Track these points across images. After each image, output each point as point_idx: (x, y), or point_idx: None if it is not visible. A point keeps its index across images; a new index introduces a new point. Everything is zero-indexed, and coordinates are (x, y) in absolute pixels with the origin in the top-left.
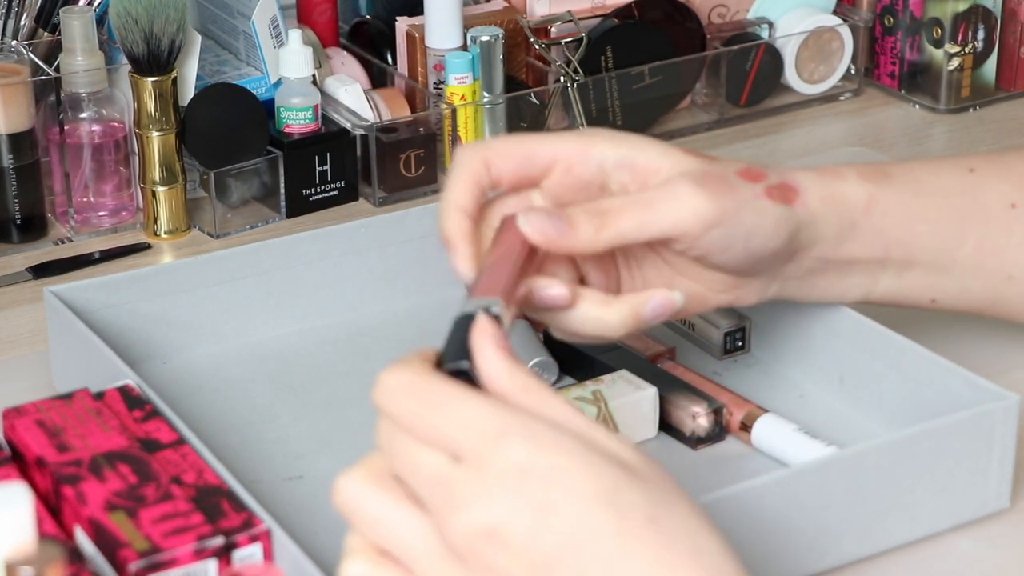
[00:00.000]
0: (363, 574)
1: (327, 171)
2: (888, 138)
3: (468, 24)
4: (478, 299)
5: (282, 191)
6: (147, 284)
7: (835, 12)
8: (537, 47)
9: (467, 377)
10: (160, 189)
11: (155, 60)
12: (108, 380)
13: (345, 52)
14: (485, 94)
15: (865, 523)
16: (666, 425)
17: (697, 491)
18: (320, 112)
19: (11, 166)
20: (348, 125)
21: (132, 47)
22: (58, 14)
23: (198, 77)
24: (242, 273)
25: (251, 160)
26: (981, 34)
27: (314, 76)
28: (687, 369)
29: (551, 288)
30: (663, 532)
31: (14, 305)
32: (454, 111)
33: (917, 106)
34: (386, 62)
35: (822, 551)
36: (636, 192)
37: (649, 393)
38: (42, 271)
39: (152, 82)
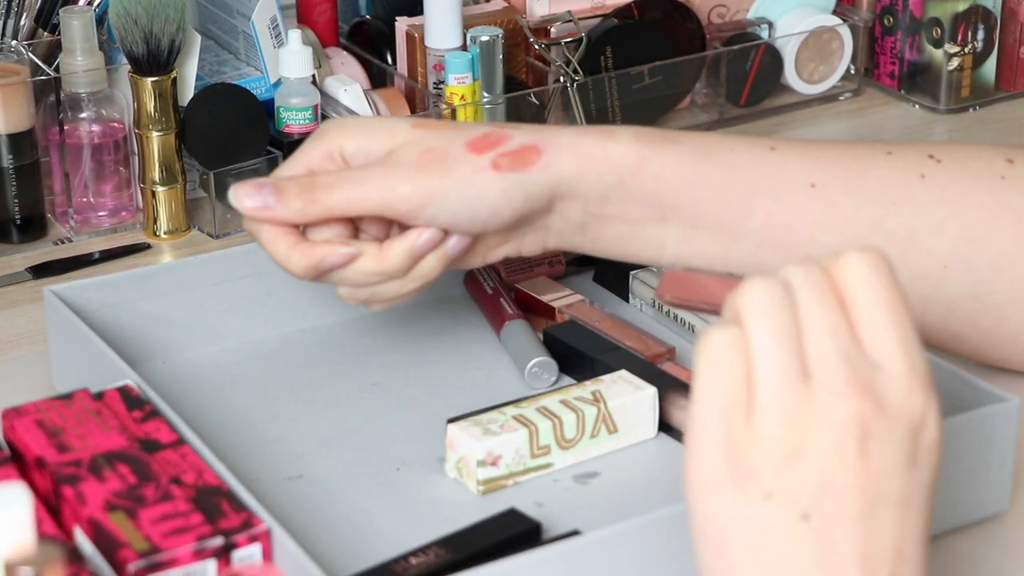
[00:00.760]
0: (725, 346)
1: None
2: (888, 138)
3: (468, 24)
4: None
5: None
6: (147, 284)
7: (835, 12)
8: (537, 47)
9: None
10: (160, 189)
11: (155, 60)
12: (108, 380)
13: (345, 52)
14: (485, 94)
15: None
16: (666, 425)
17: None
18: (320, 112)
19: (11, 166)
20: None
21: (132, 47)
22: (58, 14)
23: (198, 77)
24: (242, 273)
25: (251, 160)
26: (981, 34)
27: (314, 76)
28: (687, 369)
29: (340, 249)
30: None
31: (14, 305)
32: (454, 111)
33: (917, 106)
34: (386, 62)
35: None
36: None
37: (649, 393)
38: (42, 271)
39: (152, 82)
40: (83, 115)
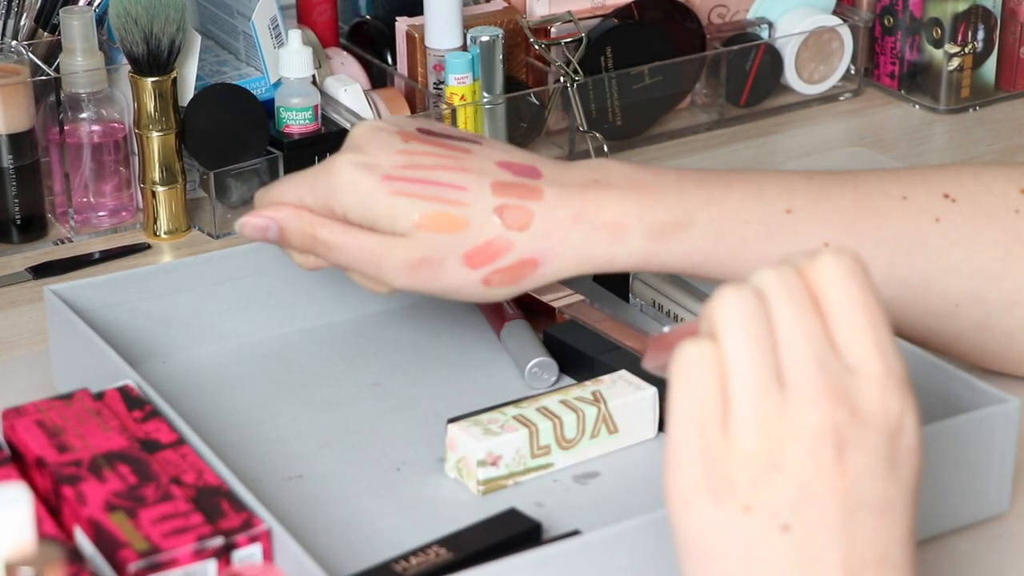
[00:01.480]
0: (698, 362)
1: None
2: (888, 138)
3: (468, 24)
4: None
5: None
6: (147, 284)
7: (835, 12)
8: (537, 47)
9: None
10: (160, 189)
11: (155, 60)
12: (108, 380)
13: (345, 52)
14: (485, 94)
15: None
16: (666, 425)
17: None
18: (320, 112)
19: (11, 166)
20: (348, 125)
21: (132, 47)
22: (58, 14)
23: (198, 77)
24: (242, 273)
25: (251, 160)
26: (981, 34)
27: (314, 76)
28: None
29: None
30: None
31: (14, 305)
32: (454, 111)
33: (917, 106)
34: (386, 62)
35: None
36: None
37: (649, 393)
38: (42, 271)
39: (152, 82)
40: (83, 115)
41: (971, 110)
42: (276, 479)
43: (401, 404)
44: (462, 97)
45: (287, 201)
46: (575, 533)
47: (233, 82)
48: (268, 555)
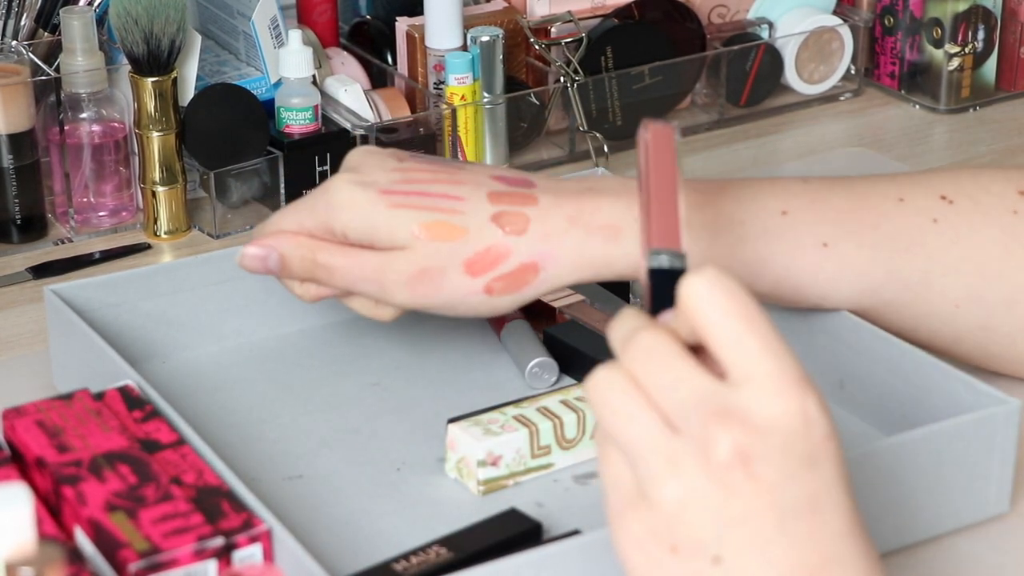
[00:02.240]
0: (600, 440)
1: (327, 171)
2: (888, 138)
3: (468, 24)
4: (659, 248)
5: (282, 191)
6: (147, 284)
7: (835, 12)
8: (537, 47)
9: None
10: (160, 189)
11: (155, 60)
12: (108, 380)
13: (345, 52)
14: (485, 94)
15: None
16: None
17: None
18: (320, 112)
19: (11, 166)
20: (348, 125)
21: (132, 47)
22: (58, 14)
23: (198, 77)
24: (242, 273)
25: (251, 160)
26: (981, 34)
27: (314, 76)
28: None
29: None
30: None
31: (14, 305)
32: (454, 111)
33: (917, 106)
34: (386, 62)
35: None
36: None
37: None
38: (42, 271)
39: (152, 82)
40: (83, 115)
41: (971, 110)
42: (276, 479)
43: (401, 404)
44: (462, 97)
45: (286, 227)
46: (575, 533)
47: (233, 82)
48: (268, 555)
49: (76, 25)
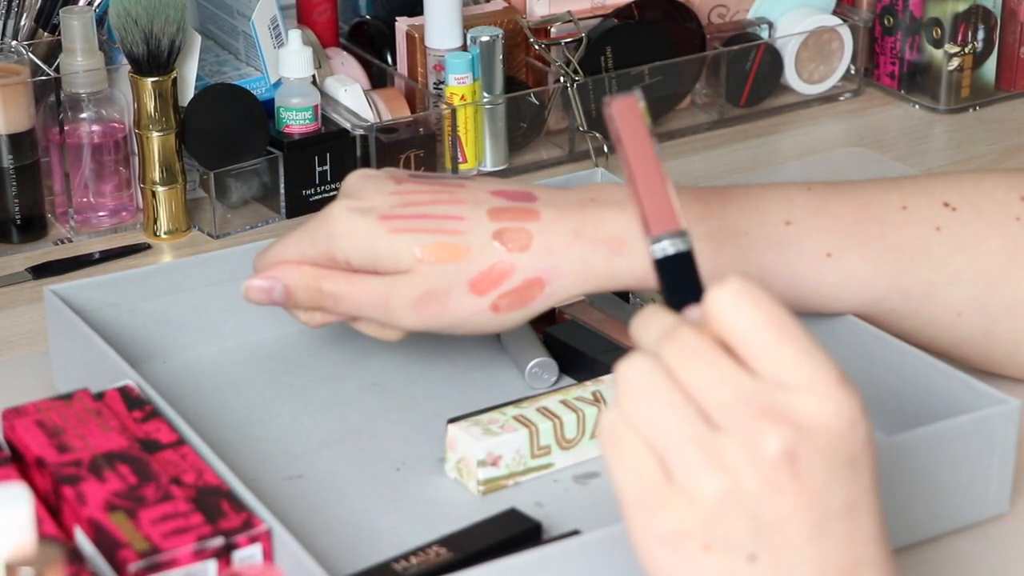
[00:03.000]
0: (618, 431)
1: (327, 171)
2: (888, 138)
3: (468, 24)
4: (659, 235)
5: (282, 191)
6: (147, 284)
7: (835, 12)
8: (537, 47)
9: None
10: (160, 189)
11: (155, 60)
12: (108, 380)
13: (345, 52)
14: (485, 94)
15: None
16: None
17: None
18: (320, 112)
19: (11, 166)
20: (348, 125)
21: (132, 47)
22: (58, 14)
23: (198, 77)
24: (242, 273)
25: (251, 160)
26: (981, 34)
27: (314, 76)
28: None
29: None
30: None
31: (14, 305)
32: (454, 111)
33: (917, 106)
34: (386, 62)
35: None
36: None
37: None
38: (42, 271)
39: (152, 82)
40: (83, 115)
41: (971, 110)
42: (276, 479)
43: (401, 404)
44: (462, 97)
45: (288, 257)
46: (575, 533)
47: (233, 82)
48: (268, 555)
49: (76, 25)
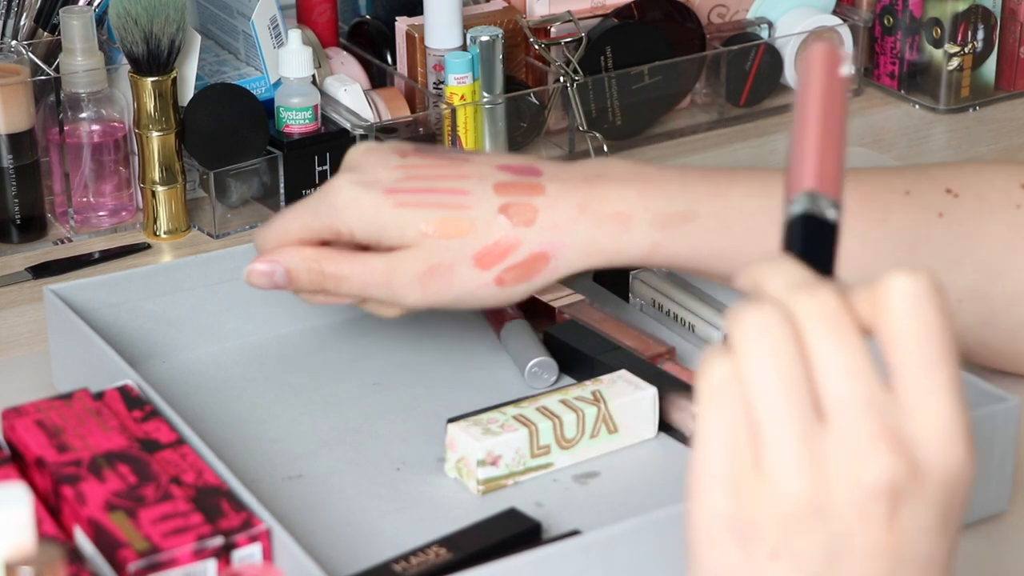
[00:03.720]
0: (724, 388)
1: (327, 171)
2: (888, 138)
3: (468, 24)
4: (819, 192)
5: (282, 191)
6: (147, 284)
7: (835, 12)
8: (537, 47)
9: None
10: (160, 189)
11: (155, 60)
12: (108, 380)
13: (345, 52)
14: (485, 94)
15: None
16: (666, 425)
17: None
18: (320, 112)
19: (11, 166)
20: (348, 125)
21: (132, 47)
22: (58, 14)
23: (198, 77)
24: (242, 273)
25: (251, 160)
26: (981, 34)
27: (314, 76)
28: (687, 369)
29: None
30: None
31: (14, 305)
32: (454, 111)
33: (917, 106)
34: (386, 62)
35: None
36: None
37: (649, 393)
38: (42, 271)
39: (152, 82)
40: (83, 115)
41: (971, 110)
42: (276, 479)
43: (401, 404)
44: (462, 97)
45: (291, 232)
46: (575, 533)
47: (233, 82)
48: (268, 555)
49: (76, 25)
